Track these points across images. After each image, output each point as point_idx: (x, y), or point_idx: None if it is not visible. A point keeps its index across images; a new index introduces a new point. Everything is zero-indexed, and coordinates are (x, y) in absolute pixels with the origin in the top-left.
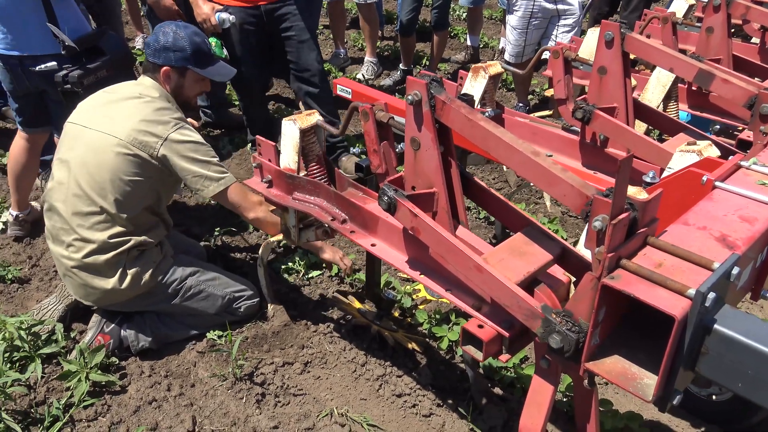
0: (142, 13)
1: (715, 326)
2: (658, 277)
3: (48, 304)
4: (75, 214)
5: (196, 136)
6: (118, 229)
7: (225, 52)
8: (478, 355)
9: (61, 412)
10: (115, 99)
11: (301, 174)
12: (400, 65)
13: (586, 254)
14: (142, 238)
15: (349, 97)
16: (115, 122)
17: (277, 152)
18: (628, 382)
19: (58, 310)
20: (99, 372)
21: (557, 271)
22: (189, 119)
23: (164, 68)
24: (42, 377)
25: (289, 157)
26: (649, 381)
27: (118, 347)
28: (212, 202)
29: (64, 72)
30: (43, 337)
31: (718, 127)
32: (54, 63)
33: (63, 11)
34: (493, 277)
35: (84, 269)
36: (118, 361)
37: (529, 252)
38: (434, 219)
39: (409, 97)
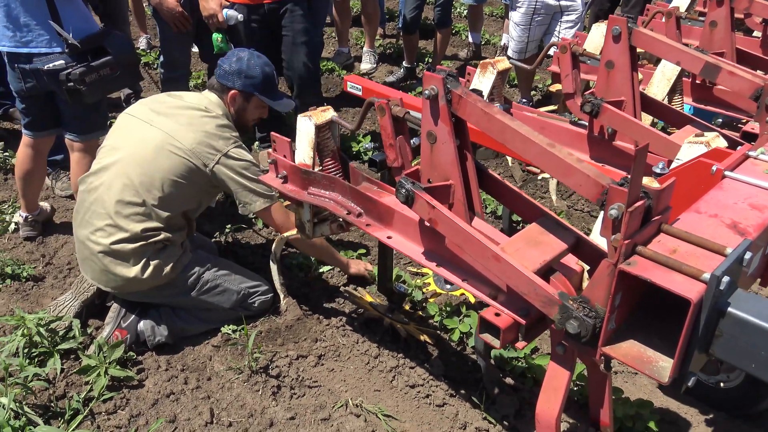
0: (148, 15)
1: (729, 309)
2: (674, 263)
3: (64, 300)
4: (118, 201)
5: (250, 156)
6: (153, 224)
7: (231, 45)
8: (495, 343)
9: (81, 405)
10: (182, 105)
11: (316, 169)
12: (404, 63)
13: (600, 243)
14: (171, 235)
15: (360, 93)
16: (180, 127)
17: (292, 148)
18: (644, 365)
19: (74, 306)
20: (117, 367)
21: (570, 261)
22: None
23: (233, 91)
24: (61, 372)
25: (304, 153)
26: (664, 364)
27: (134, 342)
28: (219, 198)
29: (68, 70)
30: (60, 333)
31: (720, 120)
32: (62, 62)
33: (67, 10)
34: (510, 266)
35: (109, 255)
36: (135, 356)
37: (544, 242)
38: (451, 210)
39: (426, 92)
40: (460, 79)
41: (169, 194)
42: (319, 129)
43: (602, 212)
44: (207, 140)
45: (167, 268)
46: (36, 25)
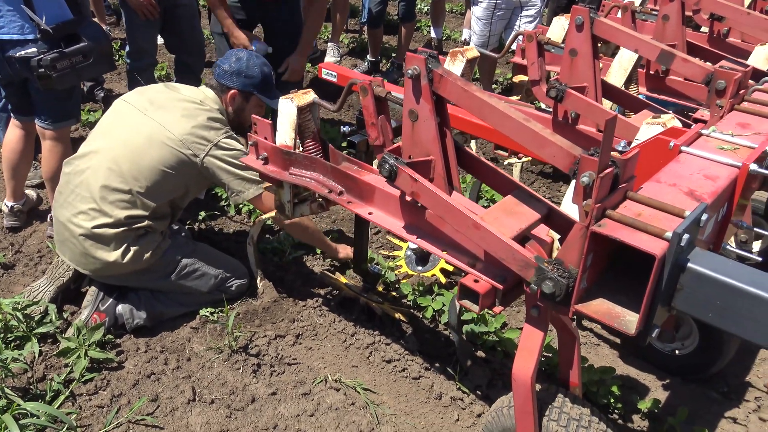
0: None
1: (689, 264)
2: (639, 224)
3: (39, 285)
4: (103, 186)
5: (240, 146)
6: (137, 212)
7: None
8: (474, 308)
9: (62, 386)
10: (177, 98)
11: (297, 151)
12: (368, 56)
13: (570, 213)
14: (153, 223)
15: (335, 80)
16: (173, 118)
17: (273, 130)
18: (613, 319)
19: (50, 291)
20: (97, 349)
21: (542, 233)
22: None
23: (232, 91)
24: (39, 355)
25: (285, 134)
26: (631, 318)
27: (113, 325)
28: None
29: (39, 56)
30: (36, 318)
31: (672, 109)
32: (34, 48)
33: None
34: (490, 233)
35: (90, 238)
36: (113, 339)
37: (519, 212)
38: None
39: (409, 72)
40: (420, 49)
41: (157, 184)
42: (301, 111)
43: (573, 182)
44: (198, 131)
45: (147, 254)
46: (8, 10)
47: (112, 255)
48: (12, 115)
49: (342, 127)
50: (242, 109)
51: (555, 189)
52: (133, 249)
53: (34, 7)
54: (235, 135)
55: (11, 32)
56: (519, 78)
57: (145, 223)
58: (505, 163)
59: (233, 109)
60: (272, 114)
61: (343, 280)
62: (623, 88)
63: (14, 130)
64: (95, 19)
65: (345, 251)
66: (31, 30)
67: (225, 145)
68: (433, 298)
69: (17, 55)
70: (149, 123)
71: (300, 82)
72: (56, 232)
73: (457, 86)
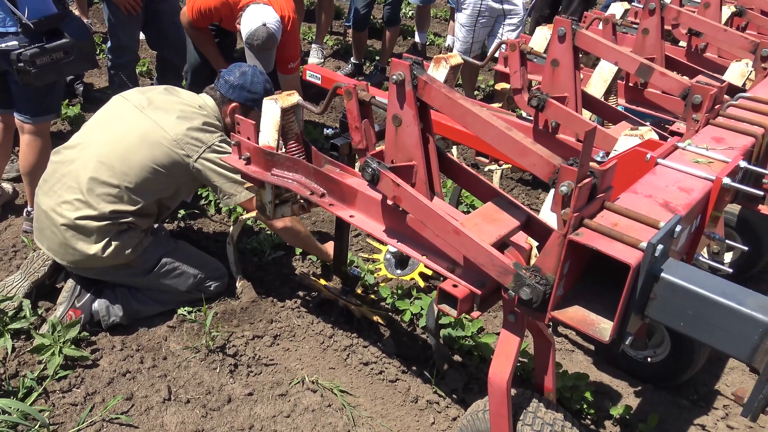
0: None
1: (662, 274)
2: (615, 233)
3: (13, 281)
4: (92, 178)
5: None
6: (123, 207)
7: None
8: (453, 312)
9: (35, 383)
10: (176, 101)
11: (280, 152)
12: (352, 59)
13: (548, 221)
14: (137, 220)
15: (319, 82)
16: (169, 119)
17: (256, 130)
18: (588, 326)
19: (24, 286)
20: (72, 347)
21: (520, 240)
22: None
23: (233, 104)
24: (12, 351)
25: (268, 135)
26: (605, 325)
27: (88, 322)
28: None
29: (20, 50)
30: (9, 314)
31: (649, 121)
32: (15, 42)
33: None
34: (470, 239)
35: (72, 229)
36: (89, 336)
37: (499, 218)
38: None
39: (394, 77)
40: (406, 55)
41: (146, 181)
42: (285, 112)
43: (552, 190)
44: (193, 133)
45: (128, 250)
46: None
47: (93, 248)
48: None
49: (325, 129)
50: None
51: (534, 196)
52: (114, 244)
53: (17, 2)
54: (229, 140)
55: None
56: (501, 85)
57: (129, 219)
58: (486, 169)
59: (232, 121)
60: None
61: (322, 282)
62: (603, 99)
63: None
64: (76, 12)
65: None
66: (12, 23)
67: (219, 149)
68: (411, 302)
69: None
70: (145, 121)
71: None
72: (36, 219)
73: (441, 93)
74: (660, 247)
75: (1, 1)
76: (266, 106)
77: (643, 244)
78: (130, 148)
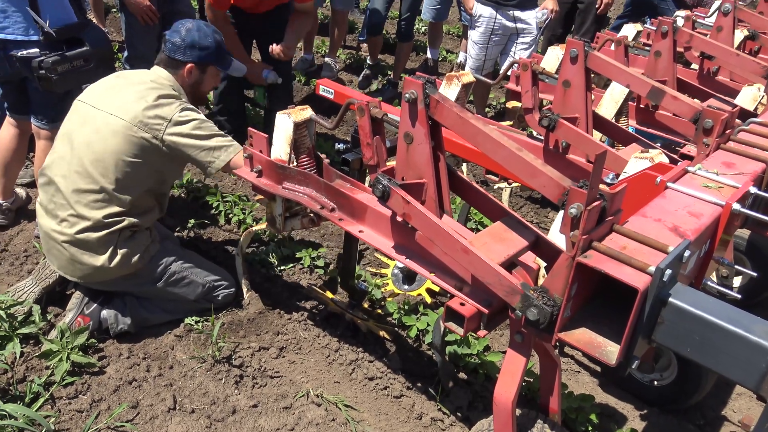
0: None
1: (670, 299)
2: (624, 257)
3: (24, 286)
4: (75, 190)
5: (199, 115)
6: (114, 209)
7: (266, 100)
8: (459, 330)
9: (42, 388)
10: (126, 83)
11: (291, 165)
12: (368, 60)
13: (557, 242)
14: (136, 220)
15: (331, 97)
16: (123, 105)
17: (269, 143)
18: (595, 349)
19: (35, 292)
20: (80, 353)
21: (528, 260)
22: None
23: (188, 65)
24: (20, 356)
25: (281, 149)
26: (612, 348)
27: (96, 329)
28: (181, 194)
29: (41, 58)
30: (19, 318)
31: (659, 143)
32: (36, 50)
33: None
34: (478, 258)
35: (75, 245)
36: (96, 343)
37: (508, 238)
38: (423, 206)
39: (406, 96)
40: (418, 73)
41: (126, 176)
42: (297, 126)
43: (561, 211)
44: (151, 111)
45: (135, 258)
46: (14, 11)
47: (99, 259)
48: (7, 113)
49: (336, 144)
50: (200, 81)
51: (543, 215)
52: (120, 252)
53: (39, 10)
54: (191, 106)
55: (15, 33)
56: (512, 104)
57: (126, 221)
58: (495, 187)
59: (190, 82)
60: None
61: (329, 295)
62: (614, 120)
63: (9, 128)
64: (94, 20)
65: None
66: (35, 32)
67: (182, 119)
68: (417, 318)
69: (19, 54)
70: (102, 116)
71: (289, 63)
72: (43, 241)
73: (452, 112)
74: (668, 272)
75: (24, 10)
76: (279, 121)
77: (652, 269)
78: (98, 149)
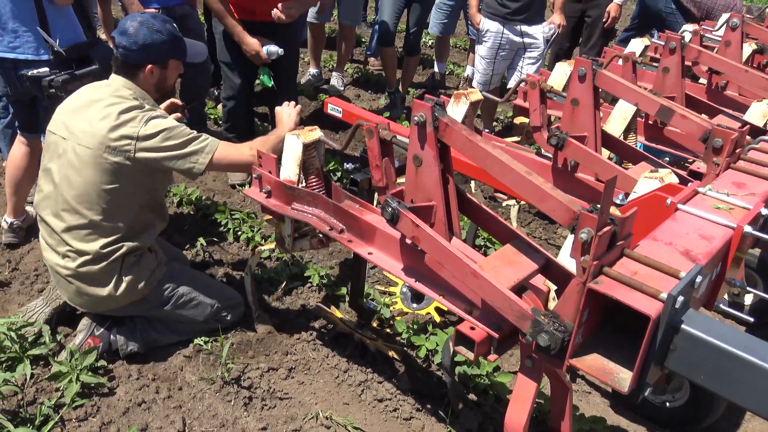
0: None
1: (683, 326)
2: (635, 283)
3: (35, 306)
4: (66, 228)
5: (166, 123)
6: (110, 237)
7: (272, 81)
8: (470, 355)
9: (52, 411)
10: (86, 102)
11: (300, 186)
12: (387, 88)
13: (567, 265)
14: (135, 243)
15: (340, 116)
16: (88, 130)
17: (278, 164)
18: (607, 376)
19: (45, 313)
20: (89, 373)
21: (538, 282)
22: (177, 114)
23: (148, 66)
24: (31, 378)
25: (289, 170)
26: (624, 375)
27: (106, 350)
28: (190, 211)
29: (51, 77)
30: (30, 339)
31: (667, 159)
32: (46, 69)
33: (56, 19)
34: (488, 282)
35: (79, 278)
36: (106, 364)
37: (518, 262)
38: (432, 229)
39: (415, 118)
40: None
41: (111, 204)
42: (306, 147)
43: (571, 235)
44: (117, 132)
45: (141, 284)
46: (25, 31)
47: (105, 289)
48: (18, 132)
49: (345, 163)
50: (163, 77)
51: (551, 230)
52: (125, 280)
53: (50, 29)
54: (155, 113)
55: (26, 52)
56: (520, 119)
57: (125, 247)
58: (504, 204)
59: (154, 82)
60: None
61: (338, 314)
62: (622, 137)
63: (19, 147)
64: (102, 36)
65: (289, 117)
66: (45, 51)
67: (149, 132)
68: (427, 338)
69: (29, 74)
70: (71, 146)
71: (292, 33)
72: (50, 274)
73: (462, 135)
74: (681, 298)
75: (35, 29)
76: (288, 142)
77: (664, 295)
78: (77, 185)
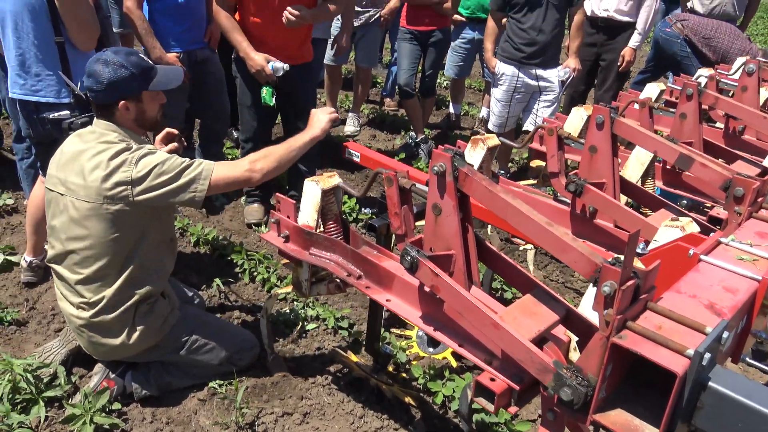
0: None
1: (710, 383)
2: (660, 338)
3: (51, 347)
4: (79, 281)
5: (155, 158)
6: (123, 283)
7: (274, 100)
8: (490, 407)
9: None
10: (74, 155)
11: (318, 231)
12: (410, 133)
13: (588, 316)
14: (148, 287)
15: (357, 160)
16: (82, 184)
17: (296, 209)
18: None
19: (61, 353)
20: (102, 414)
21: (558, 331)
22: (174, 144)
23: (120, 103)
24: (45, 420)
25: (308, 215)
26: None
27: (121, 393)
28: (207, 251)
29: (71, 119)
30: (45, 380)
31: (685, 201)
32: (67, 112)
33: (79, 62)
34: (509, 334)
35: (93, 328)
36: (120, 407)
37: (538, 312)
38: (451, 278)
39: (435, 168)
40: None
41: (118, 254)
42: (325, 193)
43: (592, 287)
44: (110, 180)
45: (154, 331)
46: (47, 75)
47: (119, 339)
48: (40, 172)
49: (363, 209)
50: (142, 111)
51: (569, 273)
52: (138, 329)
53: (72, 73)
54: (143, 152)
55: (48, 95)
56: (536, 163)
57: (138, 294)
58: (521, 248)
59: (132, 118)
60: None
61: (354, 358)
62: (640, 182)
63: (41, 187)
64: None
65: (319, 123)
66: (66, 94)
67: (141, 173)
68: (443, 383)
69: (50, 116)
70: (70, 202)
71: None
72: (67, 323)
73: (481, 185)
74: (707, 355)
75: (57, 74)
76: (307, 187)
77: (690, 352)
78: (84, 240)
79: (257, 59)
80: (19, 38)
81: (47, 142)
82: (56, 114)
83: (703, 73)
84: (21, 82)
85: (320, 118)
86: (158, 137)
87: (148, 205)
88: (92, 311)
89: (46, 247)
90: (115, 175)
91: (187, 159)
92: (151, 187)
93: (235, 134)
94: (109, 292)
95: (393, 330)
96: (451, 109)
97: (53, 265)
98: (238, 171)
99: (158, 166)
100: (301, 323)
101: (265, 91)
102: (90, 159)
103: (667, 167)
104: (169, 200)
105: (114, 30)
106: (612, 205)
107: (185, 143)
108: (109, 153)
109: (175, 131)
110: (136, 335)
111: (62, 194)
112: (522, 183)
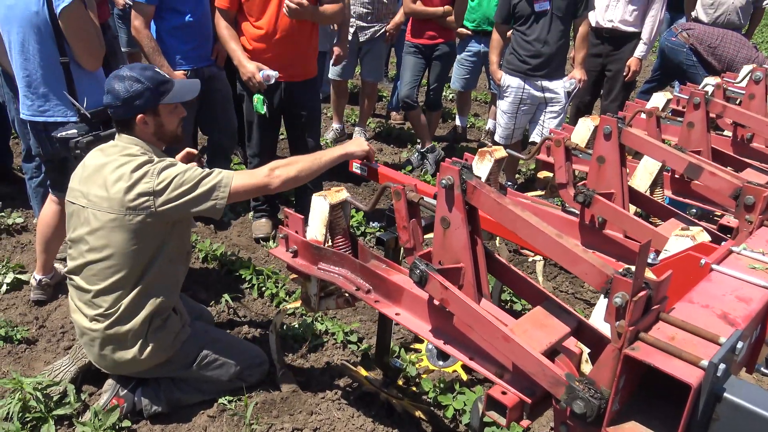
0: None
1: (725, 394)
2: (674, 349)
3: (61, 365)
4: (98, 291)
5: (176, 169)
6: (135, 296)
7: (265, 108)
8: (501, 420)
9: None
10: (96, 168)
11: (327, 246)
12: (417, 147)
13: (599, 327)
14: (161, 299)
15: (365, 174)
16: (105, 196)
17: (304, 224)
18: None
19: (71, 371)
20: None
21: (570, 343)
22: (193, 163)
23: (138, 117)
24: None
25: (316, 230)
26: None
27: (131, 411)
28: (215, 266)
29: (77, 138)
30: (55, 398)
31: (694, 210)
32: (74, 131)
33: (85, 82)
34: (520, 347)
35: (106, 341)
36: (130, 424)
37: (549, 324)
38: (461, 291)
39: (443, 181)
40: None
41: (136, 264)
42: (333, 208)
43: (603, 298)
44: (133, 192)
45: (166, 347)
46: (54, 95)
47: (130, 353)
48: (50, 190)
49: (372, 222)
50: (161, 124)
51: (578, 284)
52: (150, 343)
53: (77, 92)
54: (164, 164)
55: (55, 115)
56: (543, 174)
57: (149, 308)
58: (530, 260)
59: (151, 131)
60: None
61: (363, 372)
62: (649, 191)
63: (51, 206)
64: None
65: (354, 145)
66: (74, 113)
67: (163, 184)
68: (454, 397)
69: (58, 135)
70: (92, 214)
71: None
72: (77, 335)
73: (490, 198)
74: (722, 366)
75: (62, 94)
76: (315, 202)
77: (705, 363)
78: (105, 250)
79: (249, 67)
80: (26, 60)
81: (56, 160)
82: (64, 133)
83: (710, 82)
84: (29, 103)
85: (361, 140)
86: (178, 157)
87: (170, 216)
88: (107, 322)
89: (56, 265)
90: (138, 187)
91: (207, 169)
92: (172, 198)
93: (241, 150)
94: (124, 303)
95: (403, 342)
96: (458, 122)
97: (71, 276)
98: (257, 177)
99: (179, 176)
100: (310, 338)
101: (257, 99)
102: (113, 171)
103: (676, 176)
104: (190, 209)
105: (122, 49)
106: (621, 216)
107: (204, 163)
108: (131, 165)
109: (195, 151)
110: (148, 350)
111: (84, 206)
112: (530, 194)
